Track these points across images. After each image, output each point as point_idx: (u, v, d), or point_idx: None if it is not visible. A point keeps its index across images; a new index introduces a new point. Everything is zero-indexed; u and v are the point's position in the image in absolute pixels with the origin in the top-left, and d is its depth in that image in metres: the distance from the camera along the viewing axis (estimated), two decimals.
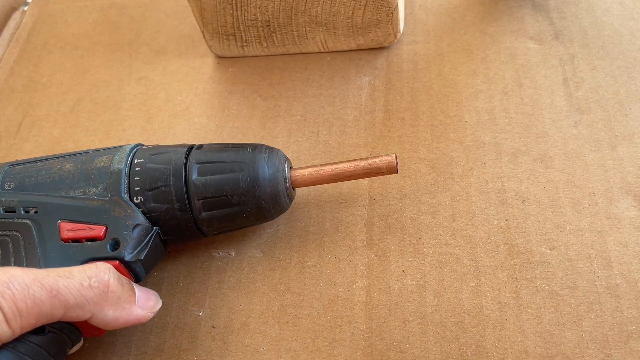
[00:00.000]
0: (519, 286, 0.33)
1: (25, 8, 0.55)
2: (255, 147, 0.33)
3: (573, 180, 0.36)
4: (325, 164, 0.34)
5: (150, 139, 0.43)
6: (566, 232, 0.34)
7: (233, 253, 0.37)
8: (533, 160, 0.37)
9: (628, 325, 0.31)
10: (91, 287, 0.27)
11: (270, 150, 0.33)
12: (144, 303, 0.31)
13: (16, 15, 0.54)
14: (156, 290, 0.33)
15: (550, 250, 0.34)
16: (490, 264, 0.34)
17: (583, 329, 0.31)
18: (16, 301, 0.25)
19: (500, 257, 0.34)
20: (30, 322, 0.25)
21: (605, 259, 0.33)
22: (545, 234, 0.35)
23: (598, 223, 0.34)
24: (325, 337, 0.33)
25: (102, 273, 0.28)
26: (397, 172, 0.33)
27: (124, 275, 0.30)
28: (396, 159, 0.33)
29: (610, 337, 0.31)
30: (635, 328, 0.31)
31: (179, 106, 0.45)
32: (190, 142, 0.42)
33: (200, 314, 0.35)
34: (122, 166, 0.32)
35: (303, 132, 0.41)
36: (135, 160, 0.32)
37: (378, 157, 0.33)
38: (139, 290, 0.31)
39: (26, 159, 0.34)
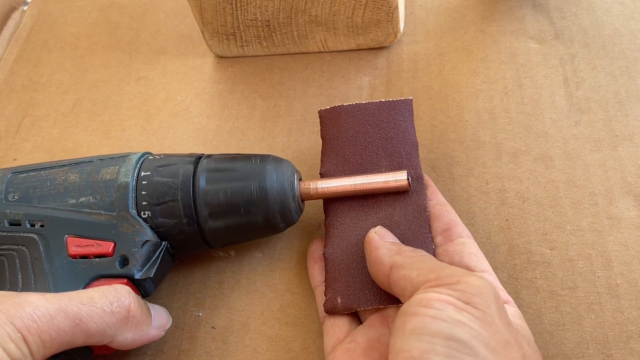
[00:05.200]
0: (519, 286, 0.33)
1: (25, 8, 0.55)
2: (263, 159, 0.32)
3: (573, 180, 0.36)
4: (337, 178, 0.33)
5: (150, 139, 0.43)
6: (566, 232, 0.34)
7: (233, 253, 0.37)
8: (533, 160, 0.37)
9: (628, 326, 0.31)
10: (113, 313, 0.27)
11: (279, 161, 0.33)
12: (158, 322, 0.31)
13: (16, 15, 0.54)
14: (156, 291, 0.33)
15: (550, 250, 0.34)
16: (491, 264, 0.34)
17: (583, 329, 0.31)
18: (41, 334, 0.24)
19: (500, 257, 0.34)
20: (52, 352, 0.25)
21: (605, 259, 0.33)
22: (546, 234, 0.35)
23: (598, 223, 0.34)
24: None
25: (123, 298, 0.28)
26: (409, 189, 0.33)
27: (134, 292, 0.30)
28: (408, 177, 0.32)
29: (611, 337, 0.31)
30: (635, 328, 0.31)
31: (178, 106, 0.45)
32: (190, 142, 0.42)
33: (200, 314, 0.35)
34: (129, 180, 0.31)
35: (303, 132, 0.41)
36: (142, 173, 0.32)
37: (390, 174, 0.33)
38: (152, 310, 0.31)
39: (29, 166, 0.34)
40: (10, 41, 0.52)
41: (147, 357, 0.34)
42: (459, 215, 0.33)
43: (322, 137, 0.36)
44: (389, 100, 0.35)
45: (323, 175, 0.35)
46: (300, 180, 0.34)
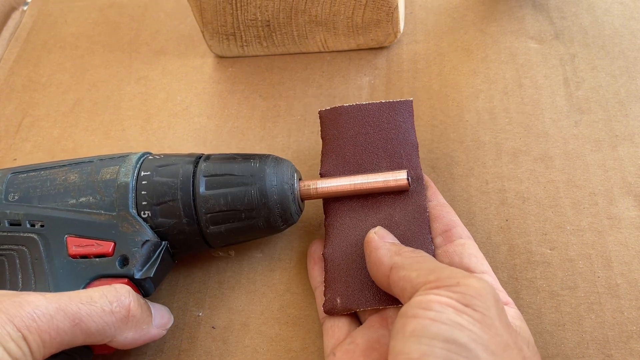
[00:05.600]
0: (519, 286, 0.33)
1: (25, 8, 0.55)
2: (262, 160, 0.32)
3: (573, 180, 0.36)
4: (336, 178, 0.33)
5: (150, 139, 0.43)
6: (566, 232, 0.34)
7: (233, 253, 0.37)
8: (533, 160, 0.37)
9: (628, 326, 0.31)
10: (113, 313, 0.27)
11: (279, 162, 0.33)
12: (159, 321, 0.31)
13: (16, 15, 0.54)
14: (156, 291, 0.33)
15: (550, 250, 0.34)
16: (491, 264, 0.34)
17: (583, 329, 0.31)
18: (41, 333, 0.24)
19: (500, 257, 0.34)
20: (52, 351, 0.25)
21: (605, 259, 0.33)
22: (546, 234, 0.35)
23: (598, 223, 0.34)
24: None
25: (123, 297, 0.28)
26: (409, 189, 0.33)
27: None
28: (408, 177, 0.32)
29: (611, 337, 0.31)
30: (635, 328, 0.31)
31: (178, 106, 0.45)
32: (190, 142, 0.42)
33: (200, 314, 0.35)
34: (129, 179, 0.31)
35: (303, 132, 0.41)
36: (142, 173, 0.32)
37: (390, 173, 0.33)
38: (153, 309, 0.31)
39: (29, 166, 0.34)
40: (10, 41, 0.52)
41: (147, 357, 0.34)
42: (459, 216, 0.33)
43: (322, 138, 0.36)
44: (389, 101, 0.35)
45: (323, 176, 0.35)
46: (300, 180, 0.34)
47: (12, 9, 0.54)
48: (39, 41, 0.51)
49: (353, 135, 0.35)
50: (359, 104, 0.35)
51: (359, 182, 0.33)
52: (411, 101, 0.35)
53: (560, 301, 0.32)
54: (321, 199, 0.35)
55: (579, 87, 0.40)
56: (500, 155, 0.38)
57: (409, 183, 0.32)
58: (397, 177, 0.32)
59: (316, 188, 0.33)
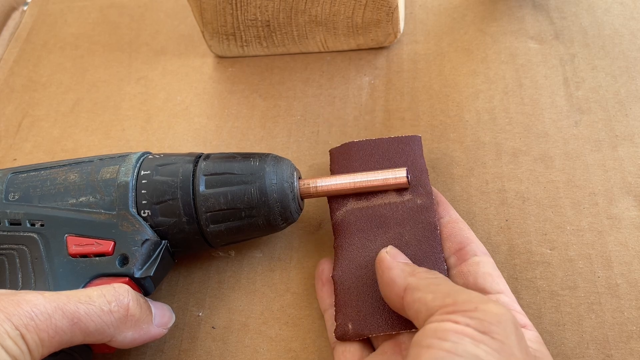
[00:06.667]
0: (519, 286, 0.33)
1: (25, 8, 0.55)
2: (262, 159, 0.32)
3: (573, 180, 0.36)
4: (336, 176, 0.33)
5: (150, 139, 0.43)
6: (566, 232, 0.34)
7: (233, 253, 0.37)
8: (533, 160, 0.37)
9: (628, 326, 0.31)
10: (111, 312, 0.27)
11: (278, 161, 0.33)
12: (159, 320, 0.31)
13: (16, 15, 0.54)
14: (156, 291, 0.33)
15: (550, 250, 0.34)
16: None
17: (583, 329, 0.31)
18: (39, 332, 0.24)
19: (500, 257, 0.34)
20: (50, 350, 0.25)
21: (605, 259, 0.33)
22: (546, 234, 0.35)
23: (598, 223, 0.34)
24: (325, 338, 0.33)
25: (122, 296, 0.28)
26: (409, 187, 0.33)
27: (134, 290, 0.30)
28: (407, 174, 0.32)
29: (611, 337, 0.31)
30: (635, 328, 0.31)
31: (178, 106, 0.45)
32: (190, 142, 0.42)
33: (200, 314, 0.35)
34: (129, 179, 0.31)
35: (303, 132, 0.41)
36: (142, 172, 0.32)
37: (389, 171, 0.33)
38: (154, 307, 0.31)
39: (29, 166, 0.34)
40: (10, 41, 0.52)
41: (147, 357, 0.34)
42: (459, 216, 0.33)
43: (330, 171, 0.36)
44: (398, 137, 0.35)
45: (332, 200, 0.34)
46: (299, 178, 0.34)
47: (12, 9, 0.54)
48: (39, 41, 0.51)
49: (362, 163, 0.35)
50: (368, 139, 0.35)
51: (358, 180, 0.33)
52: (419, 137, 0.35)
53: (560, 301, 0.32)
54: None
55: (579, 87, 0.40)
56: (500, 155, 0.38)
57: (408, 181, 0.32)
58: (397, 175, 0.32)
59: (316, 186, 0.33)
